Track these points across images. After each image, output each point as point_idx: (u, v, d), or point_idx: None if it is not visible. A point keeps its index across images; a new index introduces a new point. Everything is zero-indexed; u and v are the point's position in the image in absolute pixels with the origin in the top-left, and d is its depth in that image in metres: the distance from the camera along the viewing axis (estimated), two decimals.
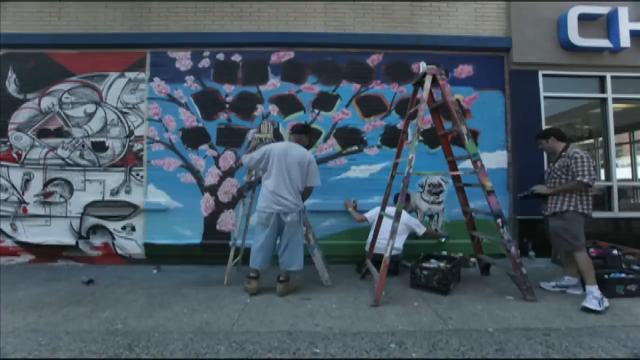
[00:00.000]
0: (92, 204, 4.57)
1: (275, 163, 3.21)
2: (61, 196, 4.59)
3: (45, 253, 4.49)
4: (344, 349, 2.20)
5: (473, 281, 3.65)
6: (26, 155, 4.61)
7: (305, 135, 3.50)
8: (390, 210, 3.61)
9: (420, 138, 4.43)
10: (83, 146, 4.64)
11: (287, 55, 4.75)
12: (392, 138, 4.64)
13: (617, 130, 4.93)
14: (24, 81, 4.68)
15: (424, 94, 3.30)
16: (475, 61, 4.80)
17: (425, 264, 3.52)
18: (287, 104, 4.71)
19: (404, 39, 4.71)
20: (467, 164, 3.92)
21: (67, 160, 4.62)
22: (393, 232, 3.06)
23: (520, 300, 3.04)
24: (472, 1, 4.86)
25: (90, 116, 4.67)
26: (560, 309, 2.84)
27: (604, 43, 4.68)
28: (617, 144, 5.08)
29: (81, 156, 4.63)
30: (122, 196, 4.59)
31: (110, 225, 4.56)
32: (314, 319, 2.68)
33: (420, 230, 3.99)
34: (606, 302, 2.81)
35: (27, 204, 4.57)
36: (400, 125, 4.66)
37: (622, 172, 5.45)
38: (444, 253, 4.15)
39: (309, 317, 2.71)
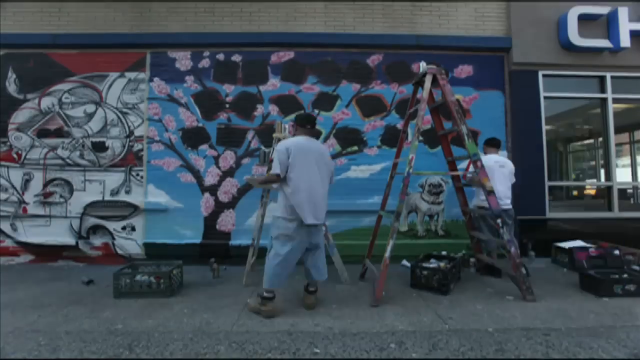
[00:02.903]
0: (92, 204, 4.56)
1: (302, 162, 2.62)
2: (61, 196, 4.58)
3: (45, 253, 4.49)
4: (344, 349, 2.20)
5: (473, 281, 3.65)
6: (26, 155, 4.61)
7: (314, 127, 2.94)
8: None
9: (420, 138, 4.43)
10: (83, 146, 4.64)
11: (287, 55, 4.75)
12: (392, 138, 4.64)
13: (617, 130, 4.93)
14: (24, 81, 4.67)
15: (424, 93, 3.30)
16: (475, 61, 4.80)
17: (425, 264, 3.52)
18: (287, 104, 4.70)
19: (404, 39, 4.71)
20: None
21: (67, 160, 4.62)
22: (393, 233, 3.07)
23: (520, 300, 3.04)
24: (472, 1, 4.85)
25: (90, 116, 4.67)
26: (560, 309, 2.84)
27: (604, 43, 4.68)
28: (617, 144, 5.08)
29: (81, 156, 4.63)
30: (122, 196, 4.59)
31: (110, 225, 4.56)
32: (314, 319, 2.68)
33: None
34: None
35: (27, 204, 4.56)
36: (400, 125, 4.65)
37: (622, 172, 5.44)
38: (444, 253, 4.15)
39: (309, 317, 2.70)
